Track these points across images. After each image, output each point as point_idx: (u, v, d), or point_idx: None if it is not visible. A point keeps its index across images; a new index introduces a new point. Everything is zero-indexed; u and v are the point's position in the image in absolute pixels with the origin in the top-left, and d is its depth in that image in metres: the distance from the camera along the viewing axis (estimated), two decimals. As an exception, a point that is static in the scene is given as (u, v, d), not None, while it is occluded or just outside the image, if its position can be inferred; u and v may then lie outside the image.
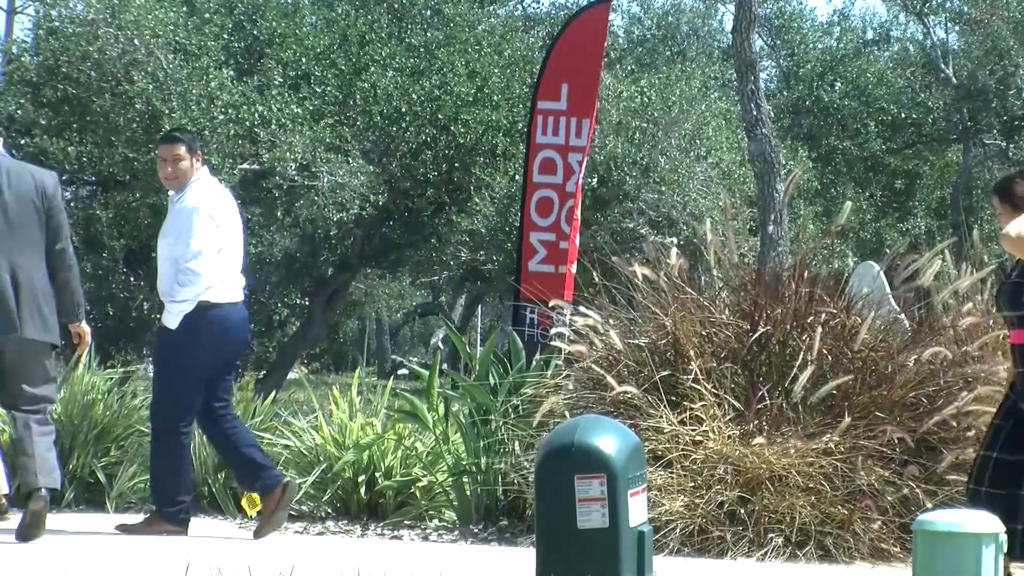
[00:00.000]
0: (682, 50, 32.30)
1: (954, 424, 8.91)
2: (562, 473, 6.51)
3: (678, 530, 8.51)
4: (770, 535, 8.58)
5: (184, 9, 21.52)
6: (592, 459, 6.50)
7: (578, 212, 11.10)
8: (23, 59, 22.35)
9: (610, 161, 21.52)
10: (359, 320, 38.58)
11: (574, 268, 11.04)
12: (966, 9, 30.75)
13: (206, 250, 8.74)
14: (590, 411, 8.92)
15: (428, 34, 22.78)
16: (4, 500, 9.24)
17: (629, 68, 29.28)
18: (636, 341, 9.37)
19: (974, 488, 7.27)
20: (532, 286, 10.85)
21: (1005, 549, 6.41)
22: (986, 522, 6.41)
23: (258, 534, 8.91)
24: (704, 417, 8.88)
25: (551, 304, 10.13)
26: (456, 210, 22.46)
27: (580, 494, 6.48)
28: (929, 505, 8.49)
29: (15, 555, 7.91)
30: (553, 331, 10.02)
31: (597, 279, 10.25)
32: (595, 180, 21.17)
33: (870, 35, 33.98)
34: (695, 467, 8.74)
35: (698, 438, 8.83)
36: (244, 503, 10.01)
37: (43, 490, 8.36)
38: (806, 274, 9.49)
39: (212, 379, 8.91)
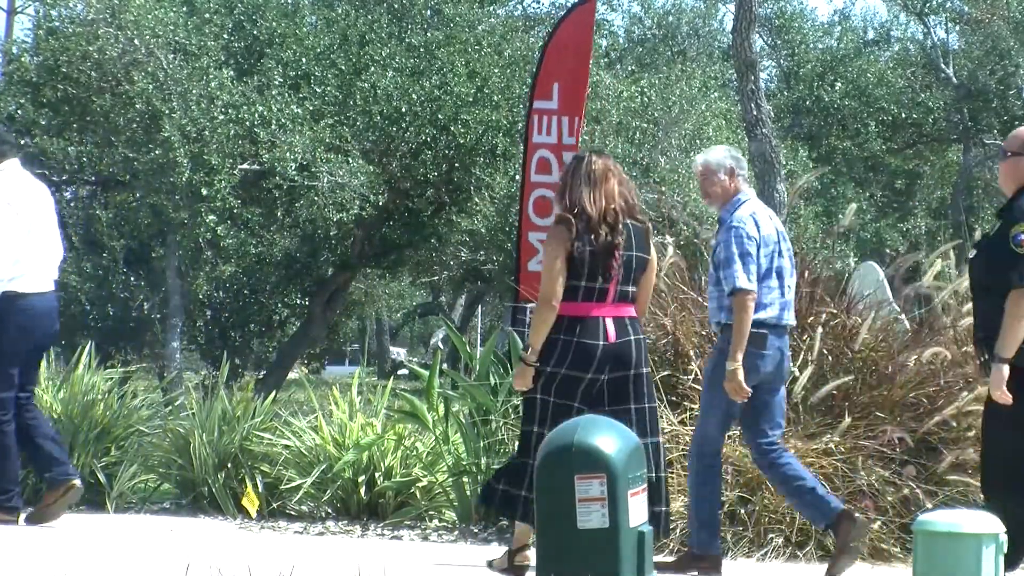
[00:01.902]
0: (682, 50, 32.31)
1: (954, 424, 8.92)
2: (562, 473, 6.50)
3: (678, 530, 8.51)
4: (770, 535, 8.58)
5: (184, 9, 21.52)
6: (592, 459, 6.49)
7: None
8: (23, 59, 22.36)
9: (610, 161, 21.49)
10: (359, 320, 38.57)
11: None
12: (966, 9, 30.75)
13: (3, 240, 8.82)
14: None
15: (428, 34, 22.78)
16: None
17: (629, 68, 29.29)
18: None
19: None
20: (531, 286, 10.84)
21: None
22: (986, 522, 6.41)
23: (30, 519, 9.09)
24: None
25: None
26: (456, 210, 22.46)
27: (580, 494, 6.47)
28: (929, 505, 8.49)
29: (15, 555, 7.90)
30: None
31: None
32: (595, 180, 21.13)
33: (870, 35, 33.99)
34: (695, 467, 8.72)
35: (698, 438, 8.81)
36: (244, 503, 10.01)
37: None
38: (807, 274, 9.49)
39: (20, 370, 9.01)
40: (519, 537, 7.60)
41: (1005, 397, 6.90)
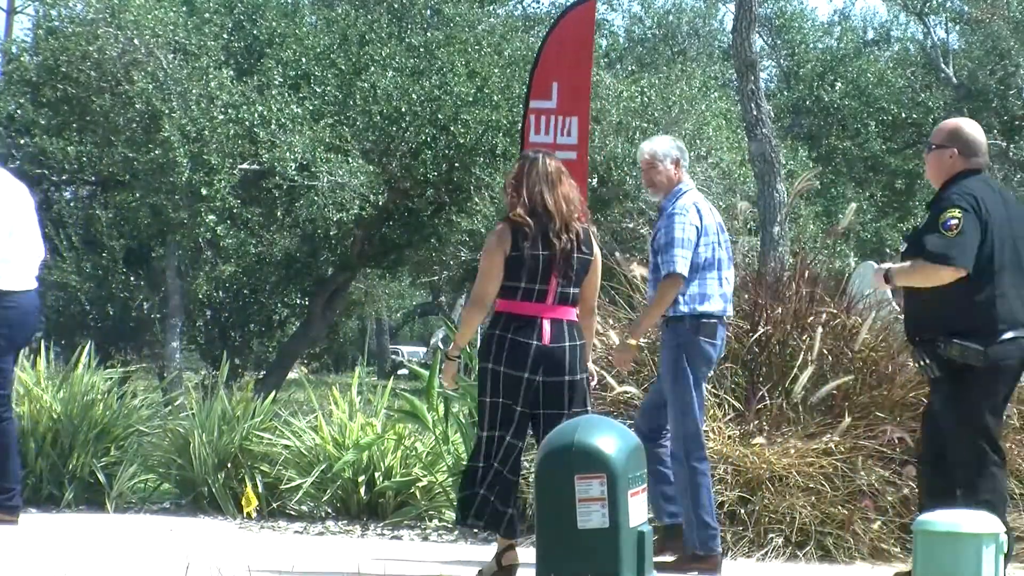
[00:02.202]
0: (682, 50, 32.30)
1: (954, 424, 8.90)
2: (562, 473, 6.50)
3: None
4: (770, 535, 8.57)
5: (184, 9, 21.53)
6: (592, 459, 6.49)
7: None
8: (23, 59, 22.37)
9: (610, 161, 21.52)
10: (359, 320, 38.56)
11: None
12: (967, 9, 30.74)
13: None
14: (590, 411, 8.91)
15: (428, 34, 22.78)
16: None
17: (629, 68, 29.29)
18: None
19: None
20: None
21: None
22: (986, 522, 6.41)
23: None
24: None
25: None
26: (456, 210, 22.44)
27: (580, 494, 6.47)
28: (929, 505, 8.48)
29: (15, 555, 7.90)
30: None
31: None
32: (595, 180, 21.16)
33: (870, 35, 33.99)
34: (695, 467, 8.72)
35: (698, 438, 8.81)
36: (243, 502, 10.01)
37: None
38: (807, 274, 9.48)
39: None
40: (502, 539, 7.51)
41: None
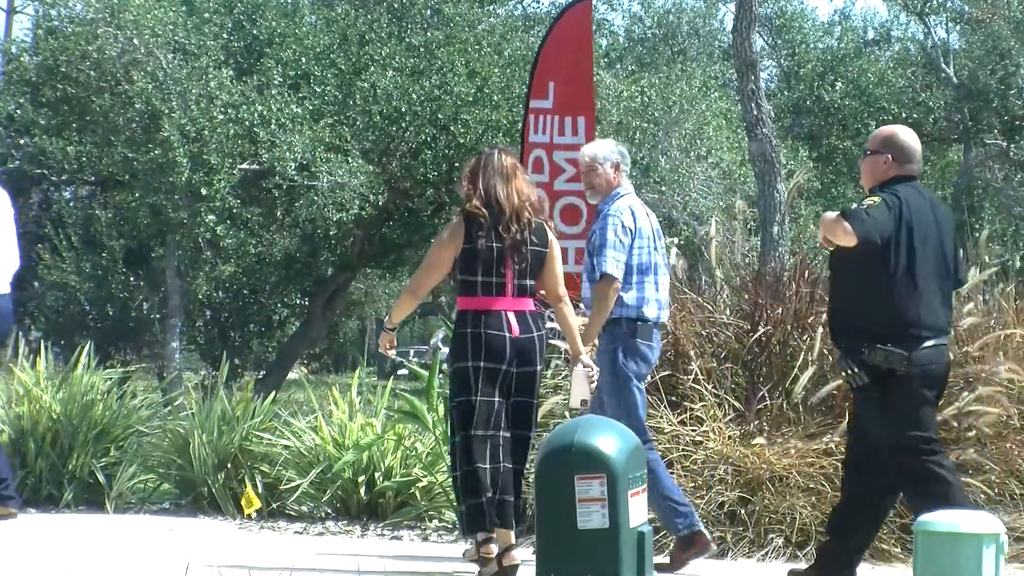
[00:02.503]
0: (682, 50, 32.28)
1: (955, 424, 8.90)
2: (562, 473, 6.50)
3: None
4: (770, 535, 8.57)
5: (184, 9, 21.52)
6: (592, 459, 6.49)
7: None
8: (22, 59, 22.36)
9: (610, 161, 21.48)
10: (359, 320, 38.56)
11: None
12: (967, 9, 30.72)
13: None
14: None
15: (428, 34, 22.77)
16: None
17: (629, 68, 29.27)
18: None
19: None
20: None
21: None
22: (986, 522, 6.40)
23: None
24: (704, 417, 8.87)
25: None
26: (456, 210, 22.38)
27: (580, 494, 6.47)
28: (930, 505, 8.47)
29: (15, 555, 7.90)
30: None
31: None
32: (595, 180, 21.12)
33: (871, 35, 33.96)
34: (695, 467, 8.73)
35: (698, 438, 8.82)
36: (243, 502, 10.00)
37: None
38: (807, 274, 9.47)
39: None
40: (502, 539, 7.50)
41: None
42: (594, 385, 7.85)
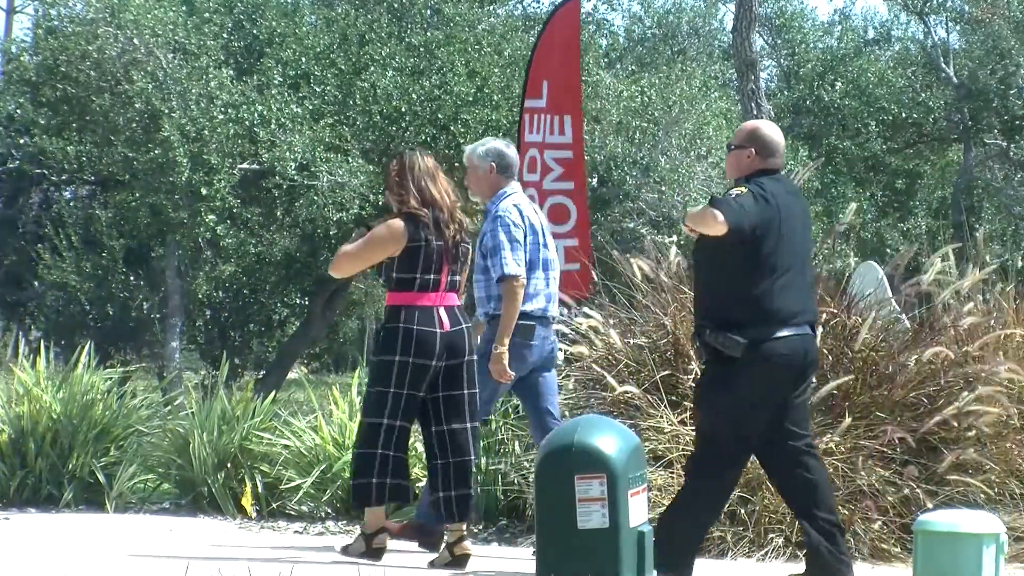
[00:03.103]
0: (682, 49, 32.27)
1: (955, 424, 8.90)
2: (562, 473, 6.50)
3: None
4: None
5: (184, 9, 21.51)
6: (592, 459, 6.49)
7: (573, 212, 11.06)
8: (22, 58, 22.35)
9: (610, 161, 21.51)
10: (359, 320, 38.55)
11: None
12: (967, 9, 30.71)
13: None
14: (590, 411, 8.91)
15: (428, 34, 22.77)
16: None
17: (629, 68, 29.26)
18: (636, 341, 9.36)
19: None
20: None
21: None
22: (986, 522, 6.40)
23: None
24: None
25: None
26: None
27: (580, 494, 6.47)
28: (929, 505, 8.48)
29: (15, 555, 7.90)
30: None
31: (598, 279, 10.23)
32: (595, 180, 21.15)
33: (871, 34, 33.95)
34: (695, 467, 8.70)
35: (698, 438, 8.79)
36: (244, 502, 10.00)
37: None
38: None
39: None
40: (372, 521, 7.92)
41: None
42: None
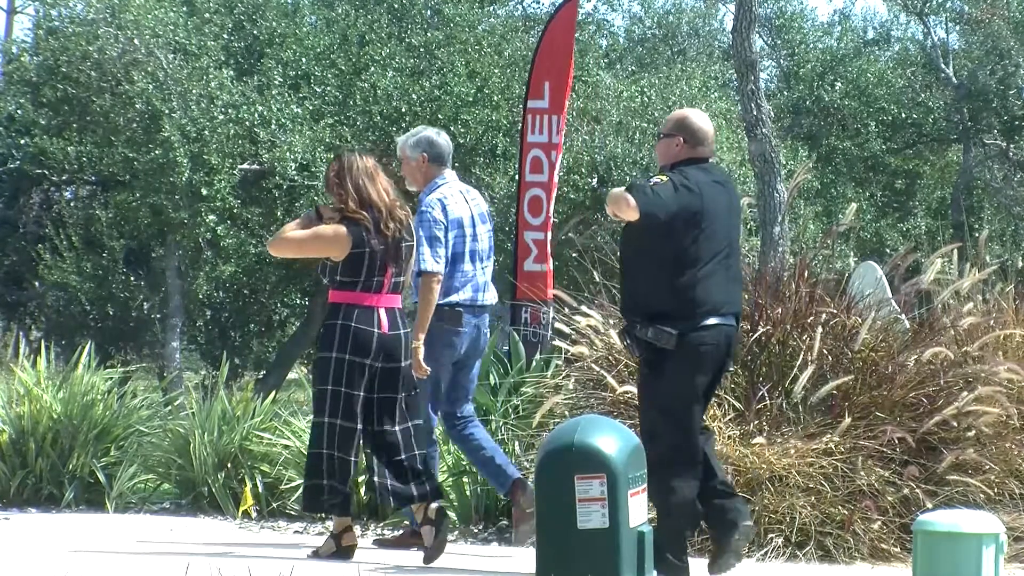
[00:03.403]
0: (682, 50, 32.27)
1: (954, 424, 8.91)
2: (562, 473, 6.50)
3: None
4: (770, 535, 8.57)
5: (184, 9, 21.52)
6: (592, 459, 6.49)
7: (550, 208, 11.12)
8: (23, 59, 22.36)
9: (610, 161, 21.52)
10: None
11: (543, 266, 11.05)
12: (967, 9, 30.71)
13: None
14: (590, 411, 8.91)
15: (428, 34, 22.78)
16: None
17: (629, 68, 29.26)
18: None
19: None
20: (531, 284, 10.87)
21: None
22: (986, 522, 6.41)
23: None
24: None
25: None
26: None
27: (580, 494, 6.47)
28: (929, 505, 8.48)
29: (15, 555, 7.91)
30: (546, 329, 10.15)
31: (598, 279, 10.23)
32: (595, 180, 21.15)
33: (870, 35, 33.93)
34: (695, 467, 8.71)
35: (698, 438, 8.80)
36: (244, 503, 10.00)
37: None
38: (807, 274, 9.48)
39: None
40: (340, 522, 8.03)
41: None
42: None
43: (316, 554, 8.04)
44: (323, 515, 9.93)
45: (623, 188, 7.19)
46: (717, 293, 7.22)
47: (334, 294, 7.92)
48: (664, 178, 7.25)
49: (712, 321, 7.18)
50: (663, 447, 7.12)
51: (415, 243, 8.21)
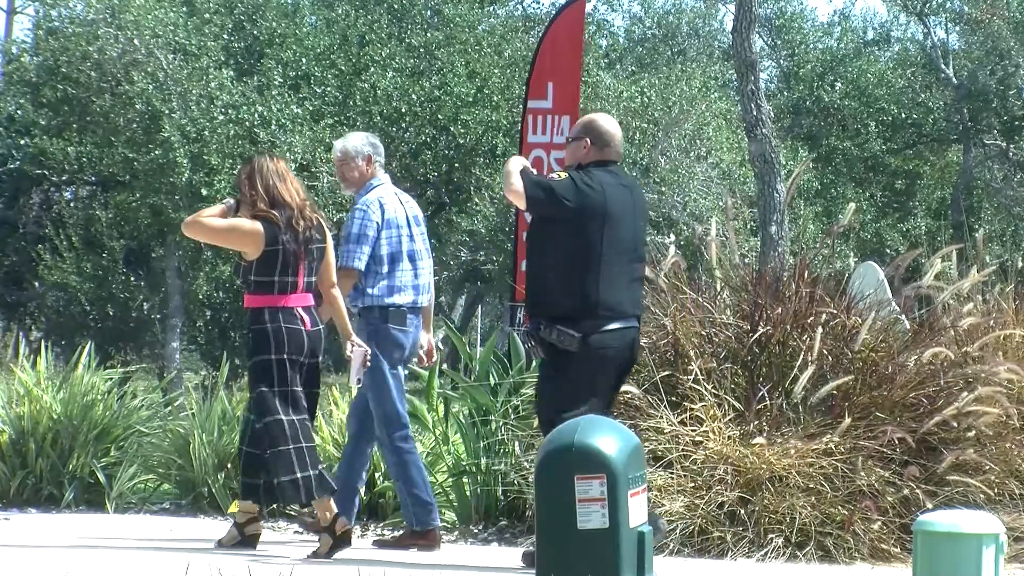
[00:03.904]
0: (682, 50, 32.29)
1: (954, 424, 8.91)
2: (562, 473, 6.50)
3: (678, 531, 8.50)
4: (770, 536, 8.57)
5: (184, 9, 21.54)
6: (592, 459, 6.49)
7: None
8: (23, 59, 22.38)
9: (610, 161, 21.49)
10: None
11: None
12: (967, 9, 30.74)
13: None
14: (590, 411, 8.90)
15: (428, 34, 22.79)
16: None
17: (629, 68, 29.28)
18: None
19: None
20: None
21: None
22: (986, 522, 6.41)
23: None
24: (704, 417, 8.87)
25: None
26: (456, 210, 22.44)
27: (580, 494, 6.47)
28: (929, 505, 8.48)
29: (15, 555, 7.91)
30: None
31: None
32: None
33: (870, 35, 33.97)
34: (695, 468, 8.72)
35: (698, 439, 8.81)
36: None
37: None
38: (807, 274, 9.47)
39: None
40: (246, 510, 8.22)
41: None
42: (369, 364, 8.26)
43: (315, 554, 8.04)
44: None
45: (518, 162, 7.37)
46: (620, 295, 7.35)
47: (252, 299, 8.01)
48: (565, 175, 7.41)
49: (615, 325, 7.33)
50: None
51: (344, 239, 8.39)
